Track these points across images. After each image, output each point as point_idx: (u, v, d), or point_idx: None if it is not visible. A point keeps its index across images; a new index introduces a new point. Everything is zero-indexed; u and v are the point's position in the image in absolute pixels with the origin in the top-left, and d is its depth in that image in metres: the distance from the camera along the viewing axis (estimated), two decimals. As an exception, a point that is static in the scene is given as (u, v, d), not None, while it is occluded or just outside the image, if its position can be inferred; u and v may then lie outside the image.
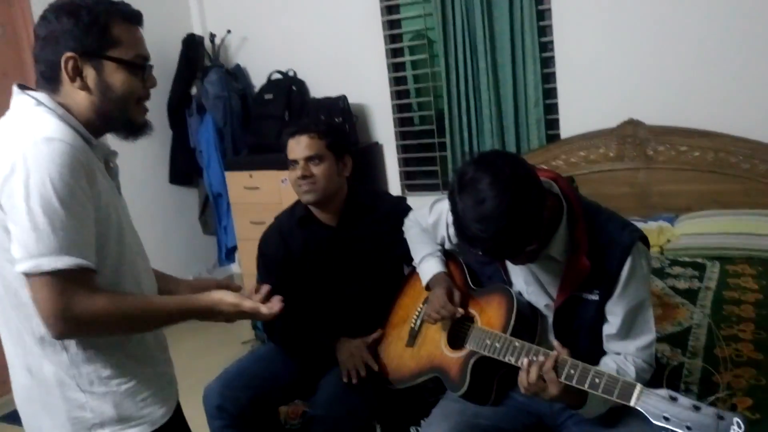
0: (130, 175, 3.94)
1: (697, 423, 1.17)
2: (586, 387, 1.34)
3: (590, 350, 1.53)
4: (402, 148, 4.12)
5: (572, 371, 1.36)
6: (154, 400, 1.32)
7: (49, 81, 1.24)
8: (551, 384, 1.37)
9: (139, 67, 1.27)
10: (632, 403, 1.26)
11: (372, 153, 4.07)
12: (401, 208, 2.14)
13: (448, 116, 3.78)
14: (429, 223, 1.85)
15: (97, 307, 1.16)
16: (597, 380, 1.33)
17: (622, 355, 1.51)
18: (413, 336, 1.84)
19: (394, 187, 4.12)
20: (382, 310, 2.01)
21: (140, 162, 4.10)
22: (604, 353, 1.55)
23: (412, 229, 1.94)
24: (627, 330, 1.51)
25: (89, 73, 1.23)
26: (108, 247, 1.23)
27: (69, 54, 1.20)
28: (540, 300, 1.61)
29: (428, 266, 1.80)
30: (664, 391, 1.25)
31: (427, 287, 1.79)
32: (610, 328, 1.52)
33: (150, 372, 1.33)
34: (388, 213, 2.13)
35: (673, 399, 1.23)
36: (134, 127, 1.32)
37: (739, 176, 3.18)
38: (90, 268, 1.16)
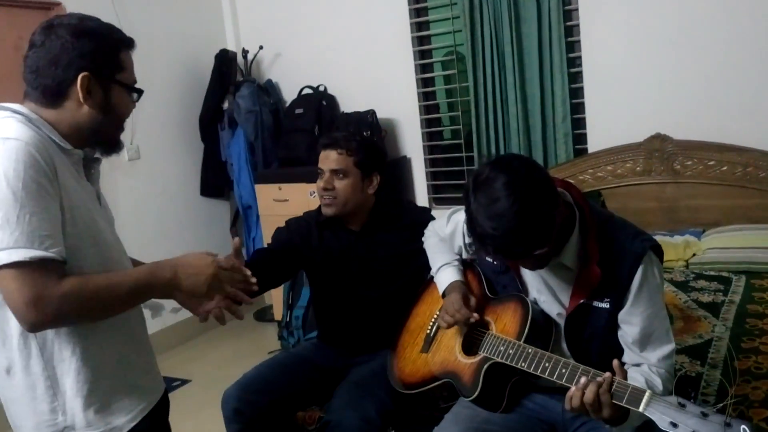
0: (162, 188, 4.19)
1: (704, 430, 1.18)
2: (623, 403, 1.32)
3: (601, 358, 1.54)
4: (430, 162, 4.16)
5: (622, 391, 1.33)
6: (120, 406, 1.34)
7: (51, 95, 1.29)
8: (606, 406, 1.34)
9: (136, 91, 1.38)
10: (641, 409, 1.27)
11: (400, 166, 4.12)
12: (425, 218, 2.18)
13: (476, 131, 3.82)
14: (446, 233, 1.89)
15: (64, 289, 1.17)
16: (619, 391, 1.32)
17: (646, 366, 1.51)
18: (428, 342, 1.87)
19: (422, 199, 4.16)
20: (400, 316, 2.05)
21: (172, 175, 4.22)
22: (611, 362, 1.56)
23: (431, 239, 1.98)
24: (645, 340, 1.51)
25: (96, 93, 1.30)
26: (84, 250, 1.26)
27: (86, 74, 1.28)
28: (552, 308, 1.63)
29: (445, 275, 1.84)
30: (673, 398, 1.25)
31: (443, 295, 1.82)
32: (627, 338, 1.53)
33: (121, 377, 1.35)
34: (412, 222, 2.17)
35: (682, 405, 1.23)
36: (116, 144, 1.40)
37: (768, 191, 3.14)
38: (54, 259, 1.17)
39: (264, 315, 4.47)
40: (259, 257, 2.15)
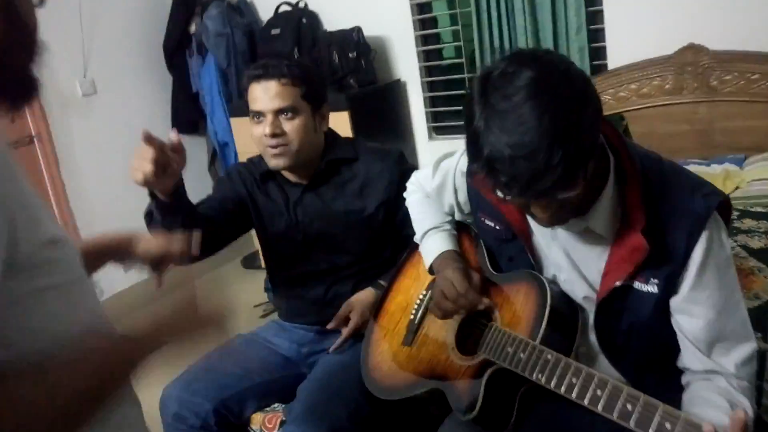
0: (128, 125, 3.71)
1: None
2: None
3: (644, 357, 1.14)
4: (428, 86, 3.68)
5: None
6: None
7: None
8: None
9: None
10: None
11: (393, 92, 3.63)
12: (396, 161, 1.76)
13: (479, 47, 3.33)
14: (432, 186, 1.45)
15: None
16: None
17: (722, 379, 1.09)
18: (412, 331, 1.46)
19: (420, 129, 3.71)
20: (375, 290, 1.66)
21: (136, 110, 3.75)
22: (661, 364, 1.16)
23: (414, 194, 1.54)
24: (715, 338, 1.10)
25: None
26: None
27: None
28: (577, 289, 1.21)
29: (433, 242, 1.42)
30: None
31: (431, 270, 1.41)
32: (687, 334, 1.12)
33: None
34: (374, 168, 1.75)
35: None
36: (31, 83, 0.87)
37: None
38: None
39: (252, 262, 4.10)
40: (203, 211, 1.71)
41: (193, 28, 3.77)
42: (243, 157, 3.64)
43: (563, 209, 1.06)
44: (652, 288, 1.11)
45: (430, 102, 3.70)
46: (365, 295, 1.70)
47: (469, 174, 1.30)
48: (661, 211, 1.09)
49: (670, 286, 1.10)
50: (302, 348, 1.79)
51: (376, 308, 1.60)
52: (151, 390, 1.67)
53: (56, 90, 3.40)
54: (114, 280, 3.67)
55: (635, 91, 3.06)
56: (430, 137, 3.69)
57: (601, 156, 1.08)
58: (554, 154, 0.92)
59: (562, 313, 1.20)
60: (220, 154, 3.92)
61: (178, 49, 3.82)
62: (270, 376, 1.71)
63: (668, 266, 1.09)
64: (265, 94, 1.63)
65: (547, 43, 3.18)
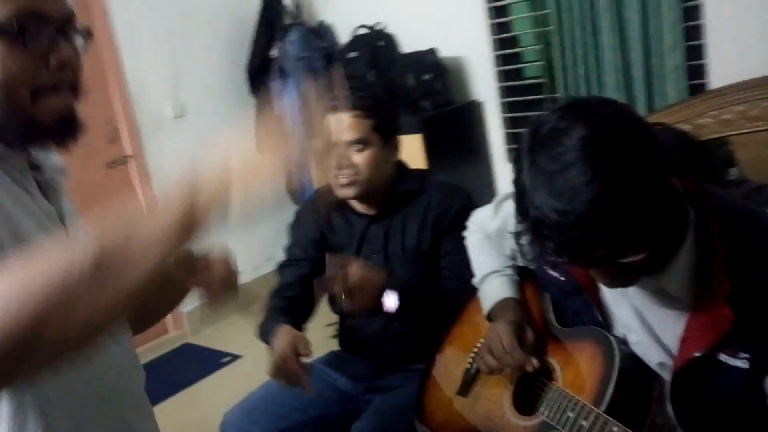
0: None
1: None
2: None
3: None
4: (507, 107, 3.55)
5: None
6: None
7: None
8: None
9: (13, 33, 0.80)
10: None
11: (469, 113, 3.52)
12: (461, 198, 1.68)
13: (562, 67, 3.16)
14: (493, 228, 1.35)
15: None
16: None
17: None
18: (468, 382, 1.36)
19: (498, 151, 3.58)
20: (436, 330, 1.56)
21: (222, 131, 3.88)
22: None
23: (474, 234, 1.44)
24: None
25: None
26: None
27: None
28: (651, 354, 1.07)
29: (492, 288, 1.31)
30: None
31: (489, 317, 1.30)
32: None
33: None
34: (440, 203, 1.68)
35: None
36: (41, 131, 0.85)
37: None
38: None
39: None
40: (292, 294, 1.76)
41: (274, 53, 3.82)
42: (318, 177, 3.67)
43: (627, 273, 0.93)
44: (742, 363, 0.95)
45: (509, 123, 3.57)
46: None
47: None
48: (753, 276, 0.94)
49: (764, 361, 0.94)
50: (359, 383, 1.76)
51: (437, 347, 1.52)
52: (215, 415, 1.72)
53: (149, 112, 3.60)
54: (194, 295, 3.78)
55: (743, 113, 2.79)
56: (509, 160, 3.56)
57: (677, 212, 0.95)
58: (605, 223, 0.81)
59: (633, 379, 1.06)
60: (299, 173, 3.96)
61: (260, 72, 3.87)
62: (326, 410, 1.69)
63: (763, 339, 0.93)
64: (335, 126, 1.62)
65: (637, 62, 2.98)
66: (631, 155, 0.83)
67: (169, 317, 3.69)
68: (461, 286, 1.52)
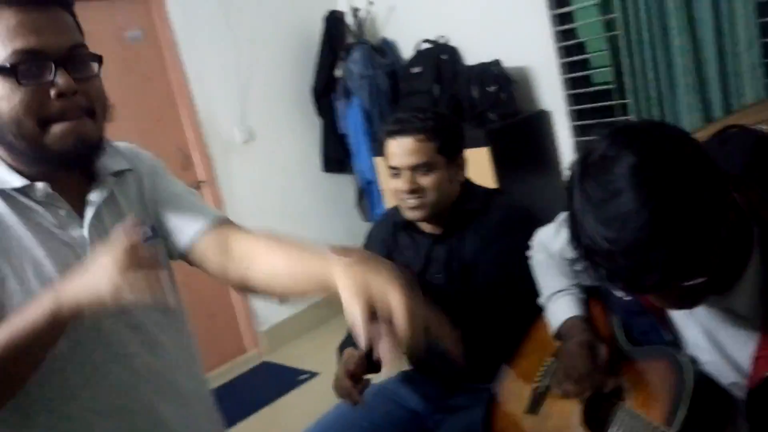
0: (281, 168, 3.94)
1: None
2: None
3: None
4: (576, 115, 3.48)
5: None
6: None
7: None
8: None
9: (9, 71, 0.88)
10: None
11: (536, 123, 3.48)
12: (520, 219, 1.66)
13: (631, 72, 3.07)
14: (557, 247, 1.33)
15: None
16: None
17: None
18: (536, 400, 1.35)
19: (568, 162, 3.50)
20: (504, 350, 1.55)
21: (290, 153, 4.00)
22: None
23: (538, 254, 1.43)
24: None
25: None
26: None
27: None
28: (724, 373, 1.04)
29: (559, 307, 1.30)
30: None
31: (558, 335, 1.28)
32: None
33: None
34: (503, 221, 1.67)
35: None
36: (52, 156, 0.93)
37: None
38: None
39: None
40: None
41: (338, 72, 3.89)
42: (386, 195, 3.71)
43: (688, 297, 0.91)
44: None
45: (579, 131, 3.50)
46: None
47: None
48: None
49: None
50: (429, 402, 1.76)
51: (506, 366, 1.51)
52: None
53: (219, 138, 3.72)
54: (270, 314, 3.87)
55: (826, 113, 2.66)
56: (580, 169, 3.48)
57: (739, 231, 0.92)
58: (656, 251, 0.79)
59: (707, 399, 1.03)
60: (366, 191, 4.01)
61: (325, 93, 3.96)
62: (395, 431, 1.70)
63: None
64: (400, 150, 1.63)
65: (710, 62, 2.87)
66: (682, 180, 0.81)
67: (246, 336, 3.79)
68: (518, 308, 1.51)
